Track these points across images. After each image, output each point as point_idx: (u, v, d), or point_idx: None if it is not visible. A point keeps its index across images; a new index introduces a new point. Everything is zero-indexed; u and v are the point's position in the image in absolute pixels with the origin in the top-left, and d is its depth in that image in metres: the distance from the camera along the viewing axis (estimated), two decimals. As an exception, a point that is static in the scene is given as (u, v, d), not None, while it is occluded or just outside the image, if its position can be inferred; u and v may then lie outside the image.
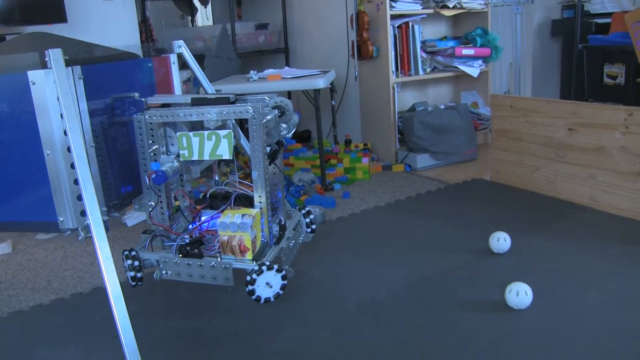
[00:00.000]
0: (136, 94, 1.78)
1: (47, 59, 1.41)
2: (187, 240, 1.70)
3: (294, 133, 3.99)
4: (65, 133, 1.47)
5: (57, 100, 1.44)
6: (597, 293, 1.77)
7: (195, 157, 1.64)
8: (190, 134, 1.62)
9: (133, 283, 1.68)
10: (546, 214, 2.46)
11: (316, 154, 3.28)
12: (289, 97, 3.68)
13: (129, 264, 1.65)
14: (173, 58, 2.01)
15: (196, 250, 1.62)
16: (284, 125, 1.72)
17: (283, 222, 1.73)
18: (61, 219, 1.53)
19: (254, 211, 1.62)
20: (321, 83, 2.86)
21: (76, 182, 1.52)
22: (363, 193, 2.94)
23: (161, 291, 1.90)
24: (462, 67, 3.47)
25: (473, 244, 2.20)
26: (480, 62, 3.52)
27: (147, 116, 1.64)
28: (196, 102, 1.66)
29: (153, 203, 1.72)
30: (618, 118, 2.35)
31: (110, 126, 1.74)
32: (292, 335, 1.61)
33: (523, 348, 1.51)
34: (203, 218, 1.74)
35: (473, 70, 3.48)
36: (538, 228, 2.31)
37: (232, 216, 1.59)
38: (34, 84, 1.44)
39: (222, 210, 1.70)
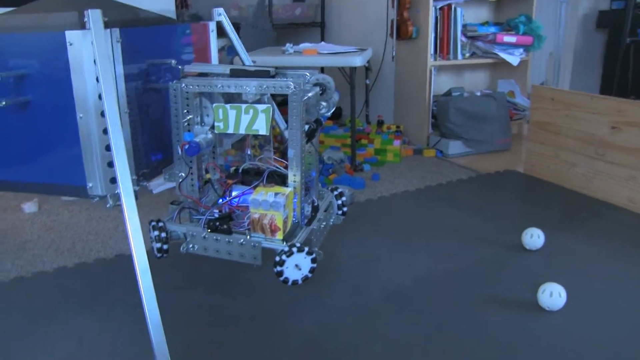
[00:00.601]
0: (173, 61, 1.73)
1: (86, 19, 1.37)
2: (217, 215, 1.66)
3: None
4: (99, 97, 1.43)
5: (94, 63, 1.39)
6: (630, 300, 1.70)
7: (230, 130, 1.59)
8: (227, 106, 1.57)
9: (159, 255, 1.66)
10: (581, 213, 2.39)
11: (347, 133, 3.22)
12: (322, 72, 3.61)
13: (156, 235, 1.62)
14: (212, 26, 1.96)
15: (225, 226, 1.58)
16: (324, 104, 1.66)
17: (316, 204, 1.68)
18: (90, 184, 1.50)
19: (287, 190, 1.58)
20: (358, 61, 2.79)
21: (108, 148, 1.49)
22: (393, 176, 2.87)
23: (186, 264, 1.87)
24: (502, 55, 3.36)
25: (504, 237, 2.14)
26: (521, 50, 3.41)
27: (183, 85, 1.59)
28: (235, 74, 1.61)
29: (183, 174, 1.68)
30: (667, 119, 2.25)
31: (144, 92, 1.70)
32: (316, 319, 1.57)
33: (552, 351, 1.45)
34: (234, 193, 1.69)
35: (513, 58, 3.38)
36: (572, 227, 2.23)
37: (264, 194, 1.55)
38: (71, 44, 1.40)
39: (254, 187, 1.65)
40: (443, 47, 3.27)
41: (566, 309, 1.64)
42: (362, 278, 1.81)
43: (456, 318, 1.60)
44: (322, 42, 3.27)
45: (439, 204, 2.48)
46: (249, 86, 1.55)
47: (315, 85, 1.66)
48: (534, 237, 2.06)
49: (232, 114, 1.58)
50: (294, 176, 1.60)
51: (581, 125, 2.58)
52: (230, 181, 1.71)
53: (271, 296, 1.69)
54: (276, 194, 1.55)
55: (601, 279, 1.83)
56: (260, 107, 1.55)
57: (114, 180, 1.51)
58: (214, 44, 1.96)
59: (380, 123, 3.32)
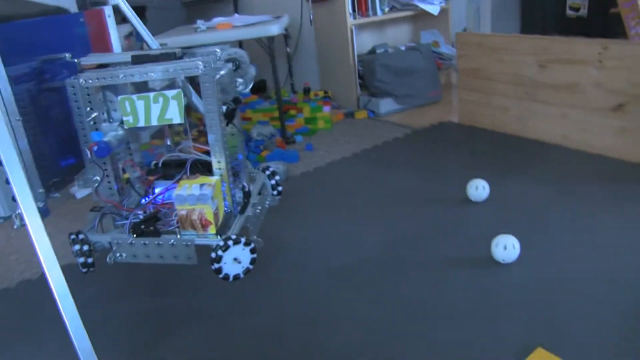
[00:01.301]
0: (67, 55, 1.55)
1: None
2: (141, 217, 1.51)
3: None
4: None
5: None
6: (582, 239, 1.69)
7: (141, 124, 1.44)
8: (134, 97, 1.42)
9: (84, 270, 1.50)
10: (520, 156, 2.37)
11: (274, 105, 3.09)
12: (241, 47, 3.43)
13: (77, 250, 1.47)
14: (108, 11, 1.77)
15: (152, 228, 1.44)
16: (240, 80, 1.53)
17: (247, 189, 1.56)
18: (-9, 205, 1.33)
19: (213, 179, 1.45)
20: (275, 29, 2.65)
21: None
22: (326, 144, 2.78)
23: (120, 272, 1.72)
24: (422, 5, 3.29)
25: (449, 193, 2.09)
26: (440, -3, 3.34)
27: (81, 80, 1.42)
28: (137, 60, 1.44)
29: (98, 177, 1.52)
30: (592, 52, 2.23)
31: (39, 93, 1.52)
32: (267, 313, 1.47)
33: (514, 303, 1.41)
34: (157, 190, 1.55)
35: (433, 7, 3.31)
36: (514, 172, 2.21)
37: (189, 187, 1.42)
38: None
39: (178, 180, 1.52)
40: (361, 4, 3.16)
41: (521, 260, 1.60)
42: (310, 260, 1.71)
43: (415, 286, 1.54)
44: (236, 15, 3.09)
45: (378, 168, 2.40)
46: (155, 72, 1.40)
47: (228, 61, 1.52)
48: (479, 189, 2.02)
49: (140, 105, 1.42)
50: (218, 163, 1.47)
51: (510, 68, 2.54)
52: (151, 178, 1.56)
53: (214, 293, 1.57)
54: (202, 185, 1.42)
55: (551, 222, 1.80)
56: (170, 93, 1.40)
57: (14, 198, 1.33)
58: (113, 31, 1.77)
59: (306, 91, 3.19)
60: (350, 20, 3.08)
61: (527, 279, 1.51)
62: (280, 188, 1.83)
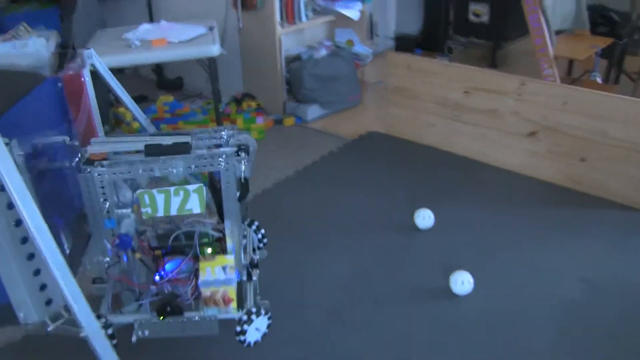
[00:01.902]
0: (65, 138, 1.54)
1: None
2: (154, 291, 1.59)
3: (163, 80, 3.70)
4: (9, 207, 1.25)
5: None
6: (522, 265, 2.05)
7: (160, 214, 1.50)
8: (154, 191, 1.47)
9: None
10: (451, 173, 2.68)
11: (206, 116, 3.13)
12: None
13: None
14: (85, 74, 1.74)
15: (176, 309, 1.53)
16: (247, 164, 1.62)
17: (256, 262, 1.69)
18: (21, 314, 1.35)
19: (230, 259, 1.56)
20: (216, 50, 2.67)
21: (37, 272, 1.34)
22: (265, 158, 2.87)
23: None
24: (342, 11, 3.44)
25: (398, 218, 2.35)
26: (358, 3, 3.50)
27: (97, 174, 1.44)
28: (151, 151, 1.49)
29: (108, 259, 1.57)
30: (512, 85, 2.55)
31: (39, 180, 1.51)
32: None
33: (477, 332, 1.75)
34: (168, 266, 1.63)
35: (353, 13, 3.47)
36: (450, 194, 2.51)
37: (212, 271, 1.52)
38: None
39: (189, 257, 1.60)
40: (288, 12, 3.23)
41: (474, 293, 1.91)
42: (282, 293, 1.89)
43: (386, 317, 1.82)
44: (162, 21, 3.01)
45: (325, 188, 2.58)
46: (176, 167, 1.46)
47: (238, 147, 1.60)
48: (425, 219, 2.30)
49: (160, 198, 1.49)
50: (232, 244, 1.59)
51: (437, 91, 2.81)
52: (157, 252, 1.63)
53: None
54: (224, 267, 1.53)
55: (493, 247, 2.13)
56: (192, 187, 1.48)
57: (49, 302, 1.37)
58: (92, 95, 1.75)
59: (239, 101, 3.25)
60: (279, 29, 3.15)
61: (485, 310, 1.83)
62: (265, 240, 1.97)
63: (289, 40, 3.48)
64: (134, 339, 1.56)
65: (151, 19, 3.63)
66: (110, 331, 1.53)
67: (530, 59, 3.99)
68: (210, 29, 2.89)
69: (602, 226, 2.26)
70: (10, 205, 1.25)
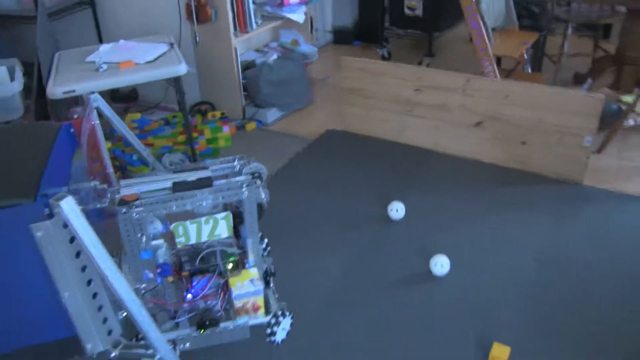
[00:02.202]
0: (95, 183, 1.70)
1: (56, 210, 1.32)
2: (187, 309, 1.80)
3: (118, 93, 3.78)
4: (83, 270, 1.42)
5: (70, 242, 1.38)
6: (484, 242, 2.38)
7: (192, 242, 1.70)
8: (187, 223, 1.67)
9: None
10: (409, 164, 2.97)
11: (174, 130, 3.27)
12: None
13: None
14: (94, 118, 1.88)
15: (213, 321, 1.75)
16: (265, 190, 1.80)
17: (273, 271, 1.92)
18: (89, 345, 1.53)
19: (255, 272, 1.79)
20: (182, 68, 2.82)
21: (99, 309, 1.52)
22: (239, 166, 3.07)
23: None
24: (288, 15, 3.63)
25: (371, 211, 2.61)
26: (302, 7, 3.70)
27: (135, 214, 1.62)
28: (179, 188, 1.68)
29: (144, 285, 1.75)
30: (458, 83, 2.87)
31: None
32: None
33: (461, 310, 2.04)
34: (194, 284, 1.83)
35: (299, 16, 3.67)
36: (412, 184, 2.81)
37: (242, 285, 1.75)
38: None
39: (214, 274, 1.81)
40: (240, 22, 3.39)
41: (451, 273, 2.22)
42: (280, 295, 2.13)
43: (380, 305, 2.09)
44: (121, 41, 3.10)
45: (301, 190, 2.81)
46: (206, 200, 1.66)
47: (252, 175, 1.80)
48: (399, 211, 2.59)
49: (192, 228, 1.68)
50: (254, 259, 1.81)
51: (389, 90, 3.09)
52: (185, 273, 1.83)
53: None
54: (251, 280, 1.76)
55: (457, 229, 2.45)
56: (220, 215, 1.68)
57: (110, 332, 1.56)
58: (100, 134, 1.90)
59: (204, 113, 3.40)
60: (234, 40, 3.32)
61: (462, 288, 2.15)
62: (269, 248, 2.19)
63: (239, 46, 3.64)
64: (177, 352, 1.76)
65: (100, 37, 3.67)
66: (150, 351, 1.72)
67: (461, 44, 4.37)
68: (171, 45, 3.02)
69: (546, 200, 2.64)
70: (78, 255, 1.42)
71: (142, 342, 1.70)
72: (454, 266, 2.24)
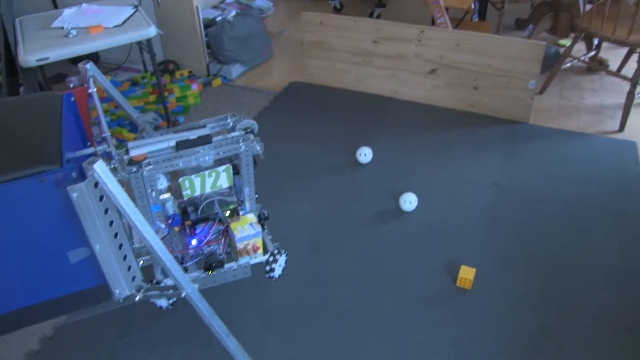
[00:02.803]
0: (105, 147, 1.85)
1: (90, 172, 1.48)
2: (191, 254, 2.01)
3: (79, 57, 3.82)
4: (110, 224, 1.60)
5: (100, 199, 1.55)
6: (445, 178, 2.66)
7: (197, 194, 1.90)
8: (192, 176, 1.85)
9: (171, 307, 1.98)
10: (371, 112, 3.20)
11: (144, 90, 3.37)
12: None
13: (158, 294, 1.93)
14: (91, 86, 2.00)
15: (218, 264, 1.97)
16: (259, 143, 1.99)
17: (266, 215, 2.14)
18: (117, 291, 1.73)
19: (252, 217, 2.01)
20: (152, 31, 2.91)
21: (125, 258, 1.71)
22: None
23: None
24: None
25: (340, 158, 2.85)
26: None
27: (145, 172, 1.80)
28: (182, 146, 1.86)
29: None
30: (412, 34, 3.09)
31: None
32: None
33: (429, 239, 2.33)
34: (197, 231, 2.03)
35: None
36: (375, 129, 3.05)
37: (243, 229, 1.96)
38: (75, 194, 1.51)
39: (215, 222, 2.01)
40: (198, -20, 3.47)
41: (419, 208, 2.51)
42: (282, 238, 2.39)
43: (360, 240, 2.35)
44: (84, 5, 3.14)
45: (272, 143, 3.00)
46: (208, 155, 1.85)
47: (246, 130, 1.99)
48: (367, 155, 2.83)
49: (197, 181, 1.87)
50: (250, 205, 2.02)
51: (349, 42, 3.28)
52: (187, 222, 2.02)
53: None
54: (250, 224, 1.98)
55: (422, 170, 2.72)
56: (221, 168, 1.88)
57: (134, 279, 1.76)
58: (98, 104, 2.03)
59: (172, 72, 3.50)
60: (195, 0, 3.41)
61: (429, 220, 2.44)
62: (257, 196, 2.40)
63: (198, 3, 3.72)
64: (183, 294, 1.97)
65: (54, 1, 3.66)
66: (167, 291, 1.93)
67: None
68: (135, 7, 3.09)
69: (496, 138, 2.94)
70: (106, 211, 1.59)
71: (161, 285, 1.91)
72: (421, 202, 2.51)
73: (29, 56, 2.68)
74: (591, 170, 2.68)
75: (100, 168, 1.45)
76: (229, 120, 1.99)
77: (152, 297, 1.80)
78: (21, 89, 3.18)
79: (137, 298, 1.76)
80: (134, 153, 1.82)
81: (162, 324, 2.05)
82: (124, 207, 1.50)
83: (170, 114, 3.23)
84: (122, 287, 1.71)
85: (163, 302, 2.02)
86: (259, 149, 1.90)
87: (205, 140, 1.86)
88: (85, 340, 2.02)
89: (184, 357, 1.93)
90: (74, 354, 1.97)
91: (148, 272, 1.93)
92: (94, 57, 3.85)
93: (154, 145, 1.85)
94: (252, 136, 1.95)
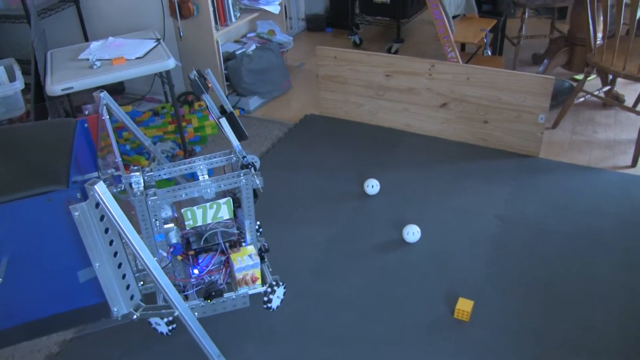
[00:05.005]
0: (112, 171, 1.95)
1: (91, 193, 1.56)
2: (194, 283, 2.07)
3: (107, 87, 4.00)
4: (110, 243, 1.68)
5: (101, 220, 1.63)
6: (451, 210, 2.68)
7: (199, 224, 1.97)
8: (194, 208, 1.93)
9: (170, 333, 2.05)
10: (383, 144, 3.26)
11: (164, 120, 3.50)
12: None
13: (167, 320, 2.00)
14: (104, 112, 2.11)
15: (219, 292, 2.03)
16: (259, 177, 2.06)
17: (267, 248, 2.20)
18: (115, 309, 1.80)
19: (252, 249, 2.07)
20: (171, 63, 3.04)
21: (123, 277, 1.78)
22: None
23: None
24: (265, 7, 3.86)
25: (349, 188, 2.90)
26: (277, -2, 3.93)
27: (150, 202, 1.88)
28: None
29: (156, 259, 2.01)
30: (424, 68, 3.15)
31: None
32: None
33: (430, 270, 2.35)
34: (200, 261, 2.10)
35: (274, 7, 3.89)
36: (386, 162, 3.09)
37: (242, 260, 2.02)
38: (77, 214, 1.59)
39: (216, 252, 2.07)
40: (220, 15, 3.61)
41: (422, 240, 2.53)
42: (282, 259, 2.43)
43: (362, 267, 2.39)
44: (110, 38, 3.31)
45: (285, 172, 3.07)
46: (210, 188, 1.93)
47: (248, 165, 2.07)
48: (375, 187, 2.88)
49: (199, 212, 1.94)
50: (250, 237, 2.09)
51: (362, 76, 3.36)
52: (191, 252, 2.09)
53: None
54: (249, 255, 2.03)
55: (428, 202, 2.75)
56: (222, 201, 1.95)
57: (132, 297, 1.83)
58: (111, 130, 2.14)
59: (190, 103, 3.63)
60: (215, 34, 3.54)
61: (431, 252, 2.45)
62: (261, 229, 2.46)
63: (219, 37, 3.86)
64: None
65: (85, 34, 3.85)
66: (170, 318, 2.00)
67: (428, 28, 4.65)
68: (158, 40, 3.24)
69: (505, 172, 2.96)
70: (106, 231, 1.67)
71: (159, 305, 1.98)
72: (424, 234, 2.54)
73: (55, 86, 2.84)
74: (600, 204, 2.67)
75: (100, 189, 1.54)
76: (232, 155, 2.07)
77: (150, 316, 1.87)
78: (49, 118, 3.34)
79: (134, 317, 1.84)
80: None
81: (163, 347, 2.12)
82: (120, 225, 1.58)
83: (187, 143, 3.35)
84: (120, 305, 1.79)
85: (163, 329, 2.08)
86: (258, 182, 1.97)
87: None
88: (88, 357, 2.09)
89: (181, 382, 1.99)
90: (77, 375, 2.05)
91: (152, 300, 2.00)
92: (119, 87, 4.02)
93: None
94: (252, 170, 2.02)
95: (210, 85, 2.10)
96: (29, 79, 3.22)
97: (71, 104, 3.48)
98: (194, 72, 2.02)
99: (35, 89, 3.30)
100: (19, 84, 2.82)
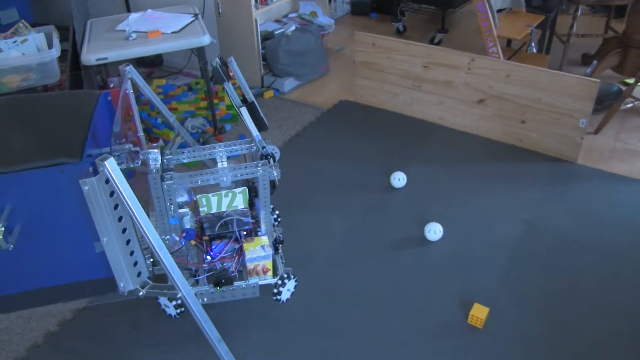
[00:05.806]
0: (129, 146, 1.94)
1: (101, 168, 1.55)
2: (207, 268, 2.07)
3: (144, 58, 4.02)
4: (119, 219, 1.68)
5: (110, 195, 1.63)
6: (476, 211, 2.60)
7: (214, 211, 1.96)
8: (209, 195, 1.92)
9: (179, 311, 2.06)
10: (416, 136, 3.18)
11: (197, 96, 3.49)
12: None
13: (175, 304, 2.01)
14: (128, 87, 2.11)
15: (229, 279, 2.02)
16: (277, 169, 2.02)
17: (282, 239, 2.18)
18: (122, 284, 1.81)
19: (265, 239, 2.04)
20: (206, 39, 3.01)
21: (131, 253, 1.78)
22: (255, 132, 3.30)
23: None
24: (306, -13, 3.78)
25: (375, 179, 2.85)
26: (321, -21, 3.85)
27: (165, 186, 1.87)
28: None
29: (167, 237, 2.01)
30: (463, 61, 3.04)
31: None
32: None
33: (447, 272, 2.29)
34: (214, 248, 2.09)
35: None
36: (416, 155, 3.02)
37: (254, 250, 2.00)
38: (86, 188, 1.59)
39: (230, 240, 2.05)
40: (260, -7, 3.56)
41: (443, 239, 2.46)
42: (302, 248, 2.40)
43: (378, 263, 2.35)
44: (149, 10, 3.30)
45: (314, 158, 3.04)
46: (226, 176, 1.90)
47: (267, 155, 2.03)
48: (401, 180, 2.81)
49: (214, 200, 1.93)
50: (265, 228, 2.06)
51: (400, 65, 3.27)
52: (205, 237, 2.07)
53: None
54: (262, 246, 2.01)
55: (455, 199, 2.67)
56: (238, 190, 1.93)
57: (139, 274, 1.84)
58: (134, 104, 2.14)
59: (225, 80, 3.60)
60: (254, 12, 3.50)
61: (451, 252, 2.38)
62: (279, 219, 2.44)
63: (259, 16, 3.82)
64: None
65: (127, 5, 3.86)
66: (179, 301, 2.01)
67: (475, 20, 4.49)
68: (195, 15, 3.22)
69: (538, 176, 2.84)
70: (116, 207, 1.67)
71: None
72: (447, 232, 2.48)
73: (90, 55, 2.86)
74: (636, 219, 2.54)
75: (110, 165, 1.53)
76: (252, 144, 2.04)
77: (155, 294, 1.87)
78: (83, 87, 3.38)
79: (140, 293, 1.85)
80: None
81: (170, 325, 2.13)
82: (127, 202, 1.57)
83: (218, 121, 3.34)
84: (127, 280, 1.80)
85: (172, 311, 2.09)
86: (276, 174, 1.94)
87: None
88: (98, 327, 2.15)
89: (184, 359, 2.00)
90: (85, 338, 2.10)
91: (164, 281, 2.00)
92: (157, 60, 4.03)
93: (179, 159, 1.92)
94: (272, 161, 1.99)
95: (232, 74, 2.04)
96: (67, 46, 3.26)
97: (108, 74, 3.51)
98: (217, 59, 1.99)
99: (72, 57, 3.34)
100: (55, 51, 2.85)
